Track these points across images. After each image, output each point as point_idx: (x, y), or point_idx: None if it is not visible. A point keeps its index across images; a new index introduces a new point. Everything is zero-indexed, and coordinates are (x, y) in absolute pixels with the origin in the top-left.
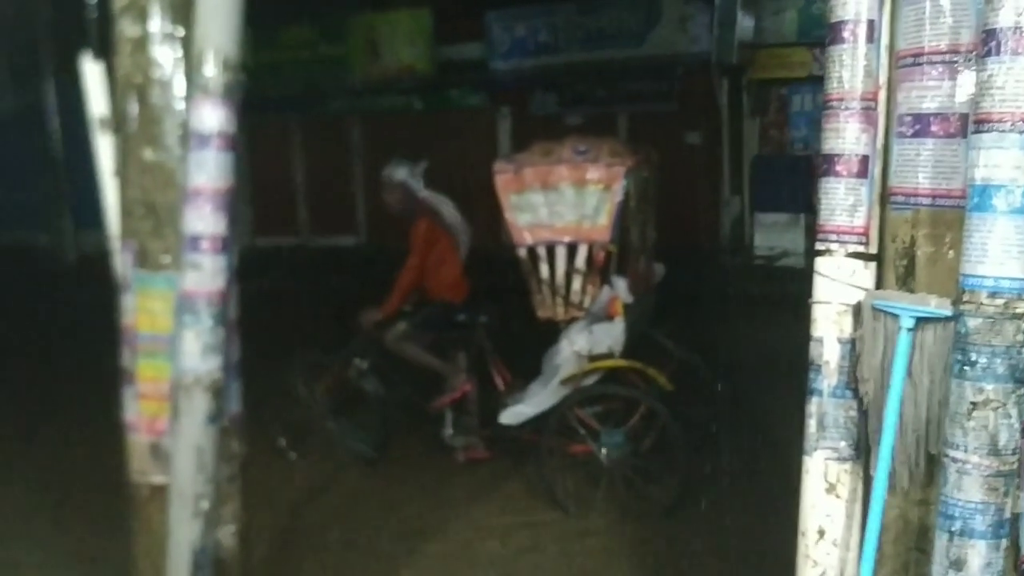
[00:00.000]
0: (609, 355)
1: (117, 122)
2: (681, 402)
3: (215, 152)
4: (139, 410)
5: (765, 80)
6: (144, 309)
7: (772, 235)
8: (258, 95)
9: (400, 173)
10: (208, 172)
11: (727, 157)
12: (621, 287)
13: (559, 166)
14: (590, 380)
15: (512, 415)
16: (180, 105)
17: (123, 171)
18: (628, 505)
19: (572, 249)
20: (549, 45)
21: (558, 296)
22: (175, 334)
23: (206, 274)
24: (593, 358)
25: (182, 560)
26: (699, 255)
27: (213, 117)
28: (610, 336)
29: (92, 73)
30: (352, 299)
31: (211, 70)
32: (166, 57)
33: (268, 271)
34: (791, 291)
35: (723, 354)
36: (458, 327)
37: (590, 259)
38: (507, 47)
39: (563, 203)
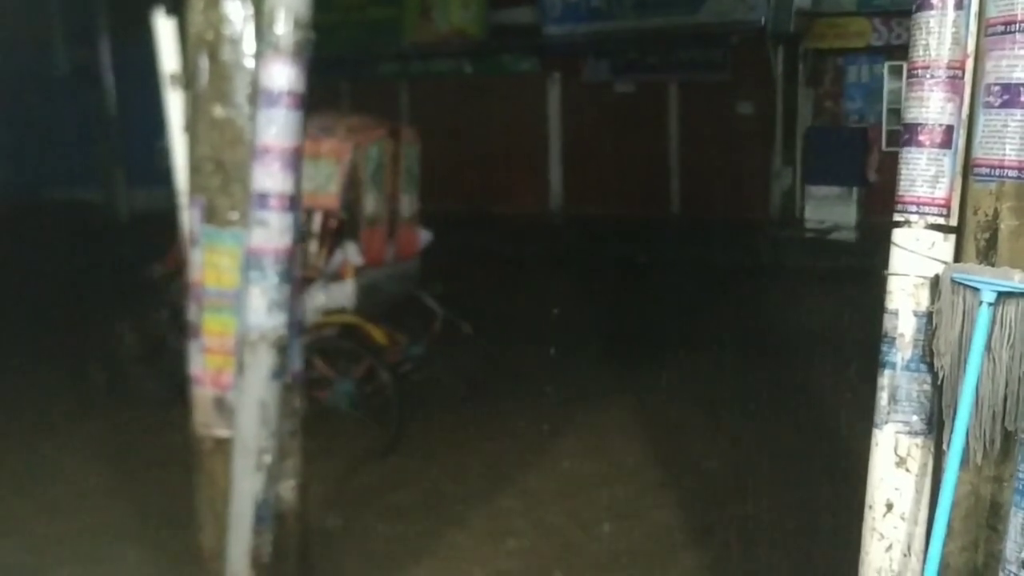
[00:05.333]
0: (342, 311)
1: (187, 79)
2: (445, 355)
3: (284, 110)
4: (204, 364)
5: (822, 50)
6: (211, 264)
7: (823, 208)
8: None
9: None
10: (277, 130)
11: (780, 128)
12: (352, 251)
13: None
14: (328, 332)
15: None
16: (250, 63)
17: (193, 128)
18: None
19: (309, 215)
20: (602, 11)
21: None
22: (241, 290)
23: (273, 231)
24: (328, 313)
25: (245, 512)
26: (748, 227)
27: (283, 75)
28: (342, 294)
29: (164, 29)
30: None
31: (282, 28)
32: (237, 14)
33: None
34: (842, 265)
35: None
36: None
37: (324, 225)
38: (560, 12)
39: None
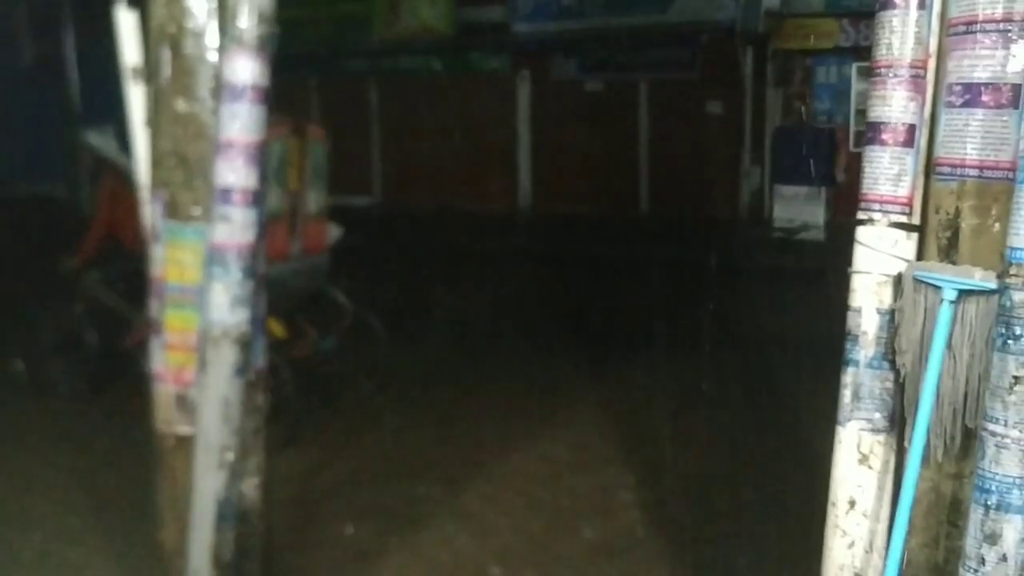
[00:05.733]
0: None
1: (150, 72)
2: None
3: (248, 104)
4: (166, 360)
5: (790, 50)
6: (173, 260)
7: (792, 207)
8: (276, 52)
9: (91, 138)
10: (241, 124)
11: (748, 127)
12: None
13: None
14: None
15: None
16: (213, 56)
17: (155, 121)
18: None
19: None
20: (572, 9)
21: None
22: (204, 286)
23: (236, 227)
24: None
25: (206, 510)
26: (717, 226)
27: (247, 69)
28: None
29: (126, 22)
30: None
31: (245, 21)
32: (200, 7)
33: None
34: (810, 264)
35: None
36: (140, 274)
37: None
38: (529, 10)
39: None
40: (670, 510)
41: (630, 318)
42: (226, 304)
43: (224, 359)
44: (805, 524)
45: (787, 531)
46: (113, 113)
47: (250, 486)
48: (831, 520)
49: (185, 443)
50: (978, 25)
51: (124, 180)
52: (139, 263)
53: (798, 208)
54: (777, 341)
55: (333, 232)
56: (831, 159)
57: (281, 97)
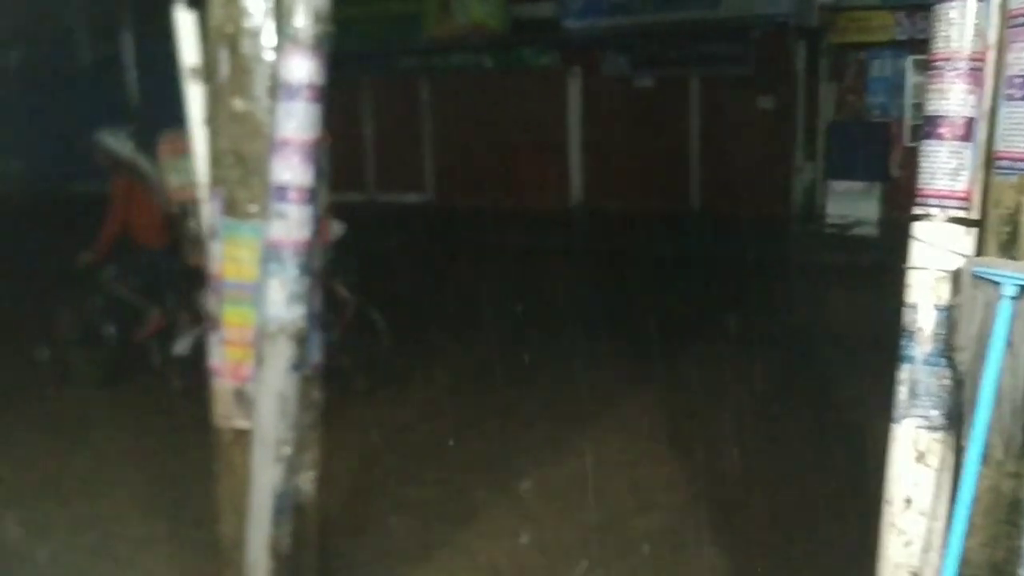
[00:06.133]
0: None
1: (208, 72)
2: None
3: (304, 103)
4: (224, 356)
5: (844, 44)
6: (231, 257)
7: (845, 203)
8: (330, 51)
9: (106, 138)
10: (296, 123)
11: (801, 123)
12: None
13: None
14: None
15: (180, 346)
16: (270, 56)
17: (213, 120)
18: None
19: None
20: (623, 5)
21: (200, 247)
22: (261, 282)
23: (292, 224)
24: None
25: (264, 503)
26: (769, 222)
27: (302, 68)
28: None
29: (185, 22)
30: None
31: (301, 20)
32: (257, 7)
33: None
34: (863, 260)
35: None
36: (153, 270)
37: None
38: (580, 6)
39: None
40: (725, 507)
41: (681, 315)
42: (282, 300)
43: (280, 354)
44: (860, 522)
45: (842, 529)
46: (171, 113)
47: (306, 480)
48: (887, 518)
49: (243, 437)
50: None
51: (138, 179)
52: (152, 259)
53: (852, 204)
54: (830, 338)
55: (335, 229)
56: (886, 154)
57: (334, 96)
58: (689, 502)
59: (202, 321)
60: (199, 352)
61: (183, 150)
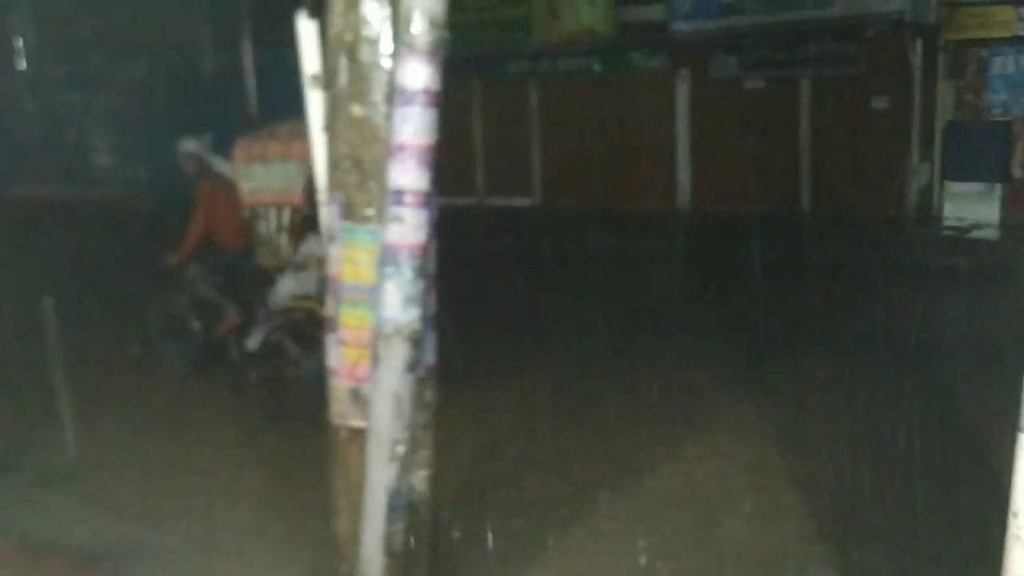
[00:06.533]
0: (308, 297)
1: (327, 79)
2: None
3: (420, 108)
4: (341, 356)
5: (963, 40)
6: (349, 260)
7: (964, 205)
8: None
9: (189, 145)
10: (413, 128)
11: (917, 123)
12: (314, 244)
13: (272, 141)
14: (297, 316)
15: (251, 341)
16: (387, 62)
17: (332, 126)
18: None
19: (280, 211)
20: (733, 6)
21: (270, 248)
22: (377, 285)
23: (408, 227)
24: (298, 298)
25: (378, 501)
26: (882, 225)
27: (419, 74)
28: (308, 282)
29: (306, 31)
30: None
31: (418, 27)
32: (375, 15)
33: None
34: (983, 264)
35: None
36: (232, 270)
37: (292, 220)
38: (689, 8)
39: (273, 173)
40: (840, 516)
41: (791, 320)
42: (398, 302)
43: (396, 356)
44: (984, 534)
45: (964, 541)
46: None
47: (419, 478)
48: (1012, 531)
49: (358, 436)
50: None
51: (219, 184)
52: (231, 259)
53: (970, 206)
54: (949, 344)
55: None
56: (1007, 154)
57: (444, 100)
58: (805, 510)
59: (270, 318)
60: (270, 347)
61: (256, 157)
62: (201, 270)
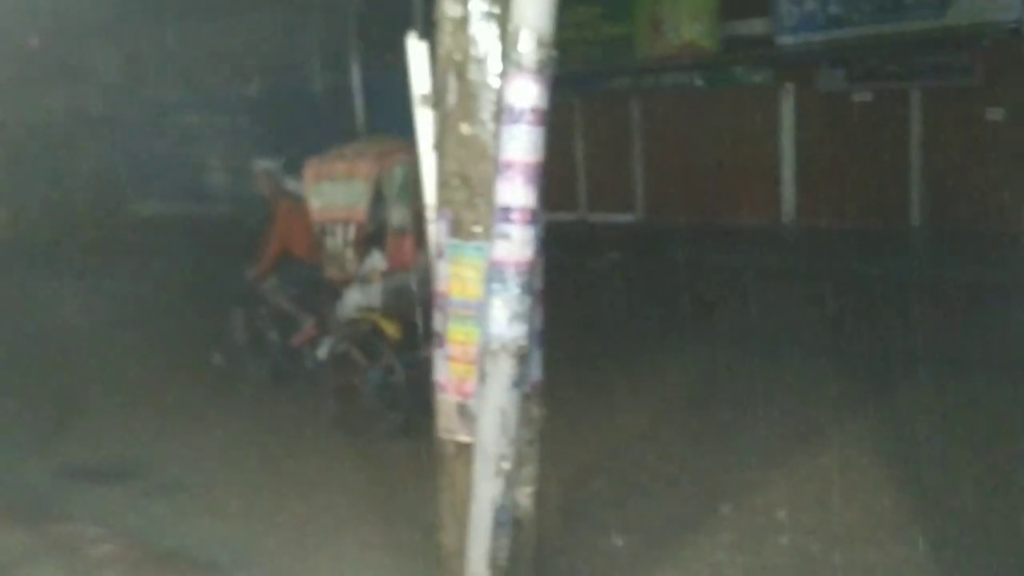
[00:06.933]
0: (371, 310)
1: (436, 98)
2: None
3: (527, 126)
4: (448, 371)
5: None
6: (456, 276)
7: None
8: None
9: (263, 164)
10: (520, 146)
11: None
12: (377, 258)
13: (339, 161)
14: (363, 328)
15: (321, 351)
16: (496, 81)
17: (441, 145)
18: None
19: (347, 227)
20: (840, 18)
21: (337, 262)
22: (484, 301)
23: (515, 244)
24: (363, 310)
25: (484, 516)
26: (999, 241)
27: (526, 92)
28: (372, 294)
29: (416, 52)
30: None
31: (526, 47)
32: (484, 35)
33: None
34: None
35: None
36: (307, 283)
37: (356, 235)
38: (795, 21)
39: (339, 191)
40: (953, 546)
41: (898, 341)
42: (505, 319)
43: (502, 372)
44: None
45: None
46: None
47: (524, 494)
48: None
49: (465, 450)
50: None
51: (295, 201)
52: (306, 272)
53: None
54: None
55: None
56: None
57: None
58: (919, 535)
59: (338, 329)
60: (337, 357)
61: (324, 176)
62: (279, 283)
